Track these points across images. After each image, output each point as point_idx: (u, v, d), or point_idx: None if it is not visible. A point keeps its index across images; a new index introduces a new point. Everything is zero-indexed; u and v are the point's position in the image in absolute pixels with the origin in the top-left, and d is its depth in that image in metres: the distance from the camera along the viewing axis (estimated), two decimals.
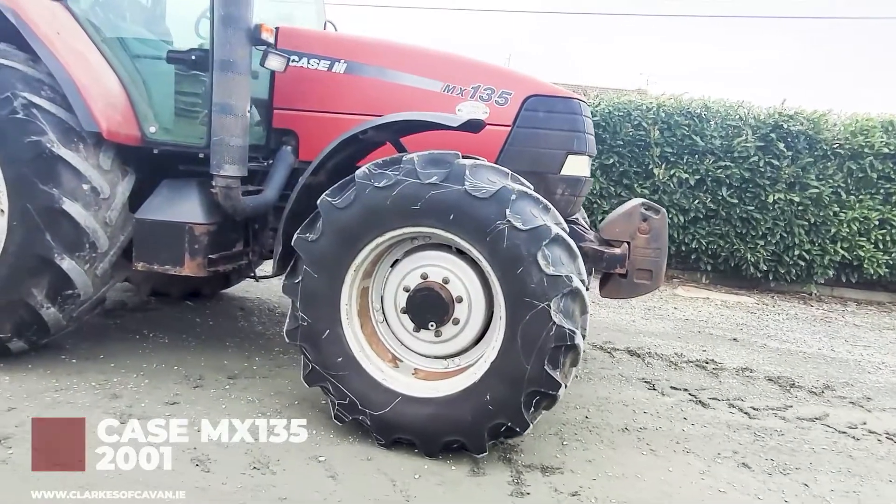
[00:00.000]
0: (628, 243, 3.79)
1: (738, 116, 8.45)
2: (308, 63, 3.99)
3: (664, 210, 3.80)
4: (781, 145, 8.23)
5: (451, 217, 3.03)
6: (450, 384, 3.23)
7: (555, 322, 2.93)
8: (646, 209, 3.79)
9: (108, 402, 3.50)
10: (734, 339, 6.31)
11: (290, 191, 3.63)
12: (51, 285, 3.65)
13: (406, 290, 3.35)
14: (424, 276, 3.32)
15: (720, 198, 8.44)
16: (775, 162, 8.30)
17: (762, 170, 8.29)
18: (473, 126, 3.46)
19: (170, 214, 3.77)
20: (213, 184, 3.66)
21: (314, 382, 3.35)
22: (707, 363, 5.35)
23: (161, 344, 4.58)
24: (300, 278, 3.28)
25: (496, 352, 3.08)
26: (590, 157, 4.06)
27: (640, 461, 3.41)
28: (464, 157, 3.20)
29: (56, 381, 3.72)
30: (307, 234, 3.27)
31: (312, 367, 3.33)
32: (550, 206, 3.16)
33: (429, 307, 3.29)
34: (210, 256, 3.79)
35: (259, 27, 3.53)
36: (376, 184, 3.12)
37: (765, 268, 8.60)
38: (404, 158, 3.15)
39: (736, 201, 8.42)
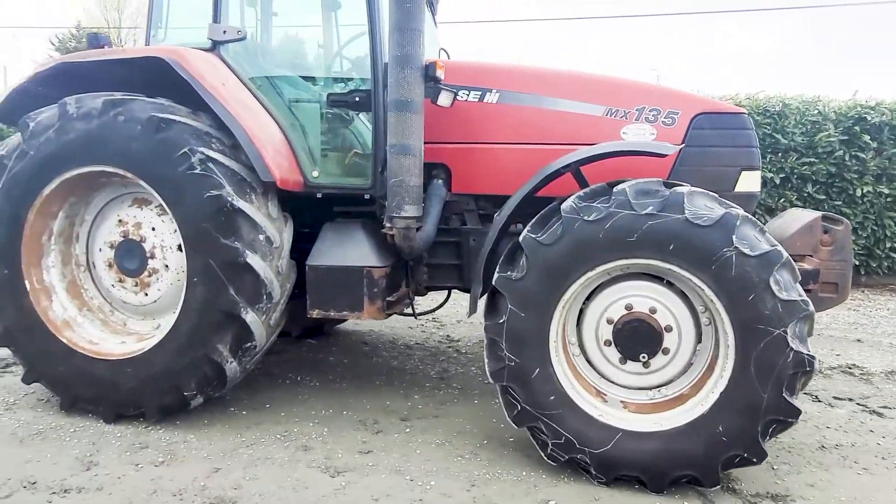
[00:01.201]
0: (810, 256, 3.70)
1: (816, 111, 8.34)
2: (457, 95, 3.93)
3: (847, 221, 3.70)
4: (867, 137, 8.11)
5: (672, 247, 2.95)
6: (672, 417, 3.14)
7: (792, 348, 2.84)
8: (827, 221, 3.69)
9: (304, 455, 3.43)
10: (858, 341, 6.17)
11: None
12: (234, 339, 3.60)
13: (610, 321, 3.26)
14: (629, 307, 3.24)
15: (806, 194, 8.33)
16: (861, 155, 8.18)
17: (848, 164, 8.17)
18: (668, 151, 3.39)
19: (344, 259, 3.72)
20: (388, 225, 3.61)
21: (524, 423, 3.27)
22: (851, 368, 5.22)
23: (314, 387, 4.52)
24: (504, 318, 3.21)
25: (725, 381, 2.99)
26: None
27: (862, 482, 3.30)
28: (669, 184, 3.13)
29: (241, 436, 3.66)
30: (509, 273, 3.20)
31: (522, 408, 3.24)
32: (764, 227, 3.08)
33: (639, 338, 3.21)
34: (388, 299, 3.73)
35: (434, 64, 3.49)
36: (586, 217, 3.05)
37: (856, 262, 8.45)
38: (615, 190, 3.08)
39: (823, 197, 8.30)
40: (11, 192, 3.76)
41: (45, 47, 33.17)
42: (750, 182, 3.79)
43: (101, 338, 3.94)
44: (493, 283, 3.23)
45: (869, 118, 8.11)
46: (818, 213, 3.78)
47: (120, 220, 3.95)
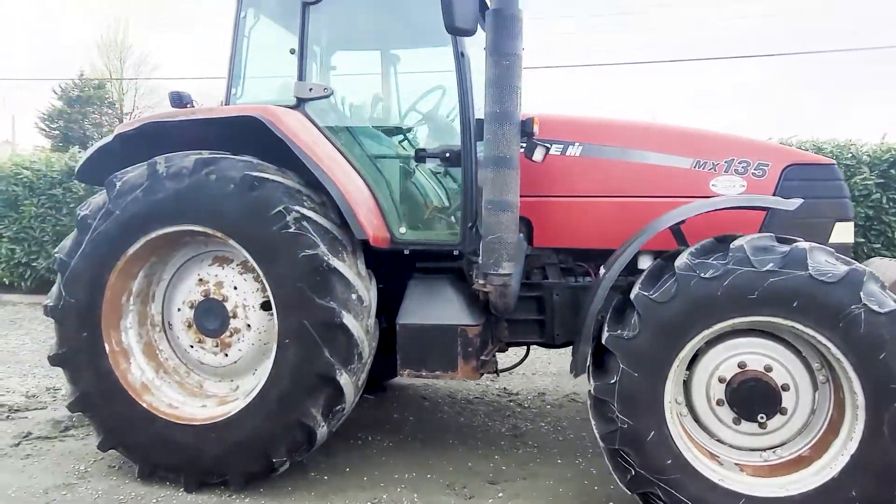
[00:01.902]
0: None
1: (850, 155, 8.40)
2: (549, 149, 3.90)
3: None
4: None
5: (795, 304, 2.89)
6: (799, 481, 3.01)
7: None
8: None
9: None
10: None
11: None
12: (326, 402, 3.49)
13: (722, 380, 3.17)
14: (743, 365, 3.15)
15: None
16: None
17: (885, 206, 8.19)
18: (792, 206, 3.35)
19: (437, 317, 3.64)
20: (482, 282, 3.54)
21: (639, 488, 3.14)
22: None
23: (388, 448, 4.38)
24: (616, 378, 3.11)
25: (856, 444, 2.89)
26: None
27: None
28: (784, 239, 3.08)
29: None
30: (620, 331, 3.12)
31: (636, 473, 3.12)
32: (884, 282, 3.02)
33: (756, 398, 3.11)
34: (482, 358, 3.63)
35: (531, 120, 3.48)
36: (702, 274, 2.99)
37: None
38: (732, 246, 3.02)
39: (863, 240, 8.29)
40: (94, 253, 3.69)
41: (49, 97, 33.90)
42: (844, 233, 3.76)
43: (181, 401, 3.82)
44: (604, 341, 3.15)
45: None
46: None
47: (200, 280, 3.87)
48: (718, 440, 3.27)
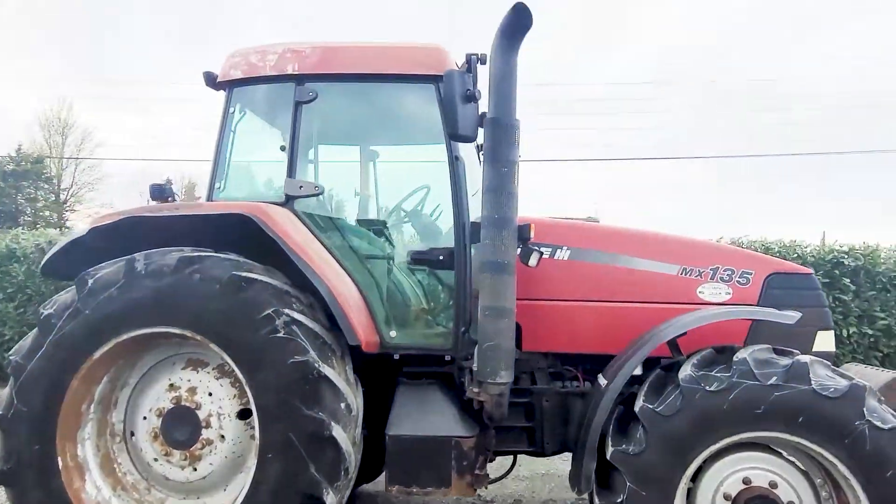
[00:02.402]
0: None
1: (796, 255, 8.82)
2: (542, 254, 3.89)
3: None
4: (846, 280, 8.58)
5: (800, 420, 2.88)
6: None
7: None
8: None
9: None
10: None
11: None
12: None
13: (727, 497, 3.09)
14: (747, 481, 3.09)
15: None
16: (842, 297, 8.60)
17: (832, 306, 8.55)
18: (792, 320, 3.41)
19: (429, 428, 3.46)
20: (477, 390, 3.41)
21: None
22: None
23: None
24: (622, 497, 2.99)
25: None
26: None
27: None
28: (780, 351, 3.12)
29: None
30: (625, 446, 3.03)
31: None
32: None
33: None
34: (476, 472, 3.44)
35: (528, 226, 3.48)
36: (707, 387, 2.97)
37: None
38: (735, 359, 3.03)
39: None
40: (56, 355, 3.38)
41: None
42: (825, 342, 3.83)
43: None
44: (609, 457, 3.04)
45: (845, 262, 8.62)
46: (892, 372, 3.82)
47: (172, 385, 3.59)
48: None
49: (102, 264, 3.48)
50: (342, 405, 3.30)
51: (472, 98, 3.17)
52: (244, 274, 3.31)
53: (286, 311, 3.27)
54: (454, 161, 3.75)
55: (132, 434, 3.64)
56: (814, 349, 3.79)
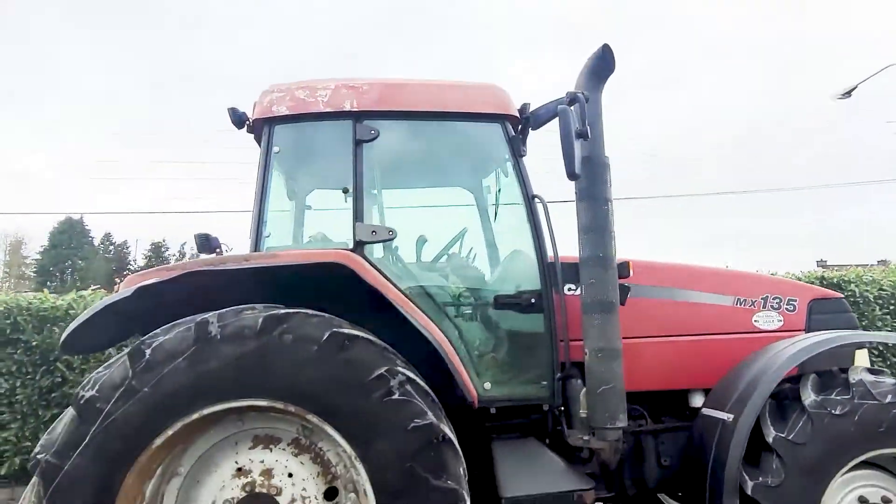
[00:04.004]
0: None
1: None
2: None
3: None
4: None
5: None
6: None
7: None
8: None
9: None
10: None
11: None
12: None
13: None
14: (863, 500, 3.18)
15: None
16: None
17: None
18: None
19: (546, 485, 3.20)
20: (589, 438, 3.24)
21: None
22: None
23: None
24: None
25: None
26: None
27: None
28: (874, 371, 3.30)
29: None
30: (763, 479, 3.01)
31: None
32: None
33: None
34: None
35: (627, 264, 3.43)
36: (833, 411, 3.05)
37: None
38: (851, 381, 3.14)
39: None
40: (105, 448, 2.71)
41: None
42: (862, 359, 4.13)
43: None
44: (750, 492, 3.00)
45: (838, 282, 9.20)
46: None
47: (240, 469, 3.02)
48: None
49: (156, 332, 2.89)
50: (461, 469, 2.95)
51: (584, 135, 3.10)
52: (346, 331, 2.90)
53: (398, 369, 2.90)
54: (531, 200, 3.63)
55: None
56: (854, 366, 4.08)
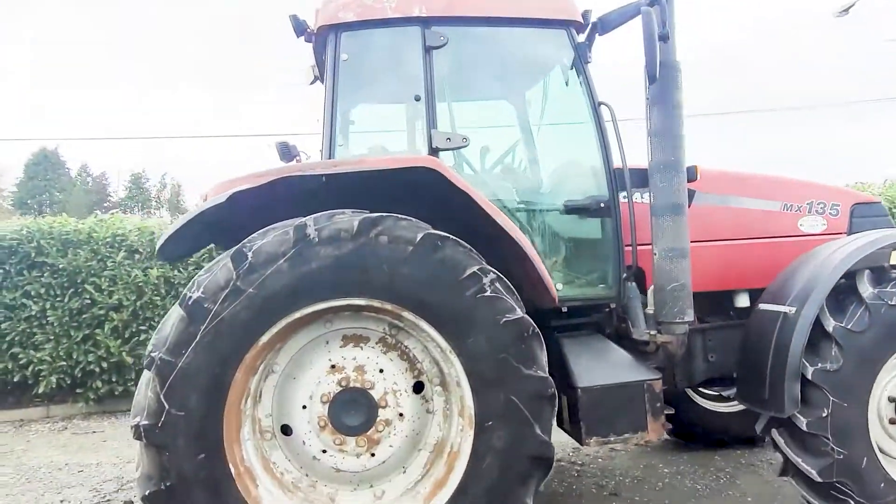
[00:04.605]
0: None
1: None
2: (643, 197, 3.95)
3: None
4: None
5: None
6: None
7: None
8: None
9: None
10: None
11: None
12: (537, 485, 3.03)
13: (892, 400, 3.43)
14: None
15: None
16: None
17: None
18: None
19: (618, 375, 3.41)
20: (656, 332, 3.44)
21: None
22: None
23: None
24: (827, 411, 3.21)
25: None
26: None
27: None
28: None
29: None
30: (822, 365, 3.24)
31: (856, 502, 3.20)
32: None
33: None
34: (667, 413, 3.47)
35: (695, 168, 3.53)
36: (889, 302, 3.26)
37: None
38: None
39: None
40: (216, 346, 2.83)
41: None
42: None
43: None
44: (810, 376, 3.23)
45: None
46: None
47: (333, 366, 3.17)
48: (887, 454, 3.48)
49: (253, 236, 2.96)
50: (545, 361, 3.14)
51: (665, 38, 3.13)
52: (438, 232, 2.99)
53: (488, 268, 3.02)
54: (596, 108, 3.68)
55: (282, 430, 3.18)
56: (890, 262, 4.29)
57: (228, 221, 3.17)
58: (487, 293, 2.99)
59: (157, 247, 3.29)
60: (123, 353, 7.53)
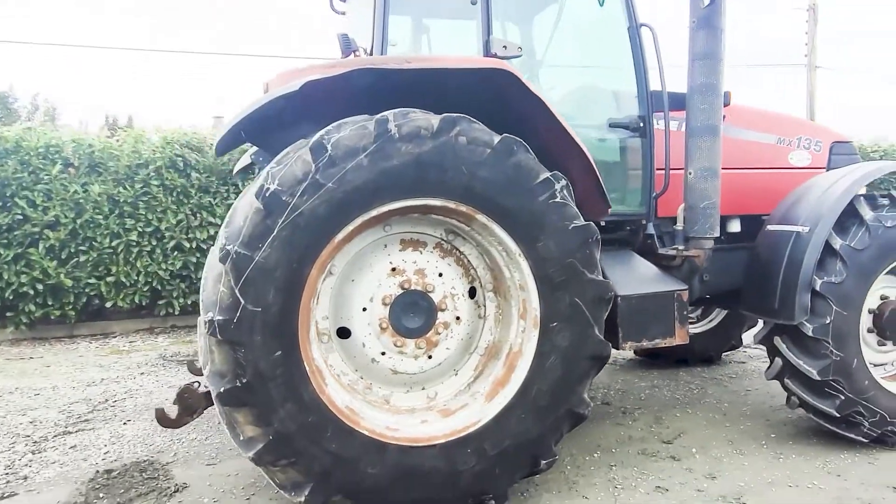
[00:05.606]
0: None
1: None
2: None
3: None
4: None
5: None
6: None
7: None
8: None
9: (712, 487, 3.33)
10: None
11: None
12: (591, 382, 3.23)
13: (870, 311, 3.90)
14: (884, 297, 3.94)
15: None
16: None
17: None
18: None
19: (652, 285, 3.63)
20: (685, 247, 3.69)
21: (846, 409, 3.68)
22: None
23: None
24: (830, 319, 3.61)
25: None
26: None
27: None
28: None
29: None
30: (828, 278, 3.63)
31: (845, 398, 3.66)
32: None
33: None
34: (691, 319, 3.75)
35: (728, 94, 3.73)
36: (886, 224, 3.69)
37: None
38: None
39: None
40: (293, 240, 2.72)
41: None
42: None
43: (392, 421, 3.07)
44: (818, 288, 3.61)
45: None
46: None
47: (394, 269, 3.15)
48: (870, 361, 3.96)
49: (328, 128, 2.83)
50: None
51: None
52: (513, 137, 3.00)
53: (558, 174, 3.09)
54: (635, 30, 3.77)
55: (344, 331, 3.14)
56: None
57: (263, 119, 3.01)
58: (557, 199, 3.06)
59: (217, 140, 3.06)
60: (61, 275, 6.93)
